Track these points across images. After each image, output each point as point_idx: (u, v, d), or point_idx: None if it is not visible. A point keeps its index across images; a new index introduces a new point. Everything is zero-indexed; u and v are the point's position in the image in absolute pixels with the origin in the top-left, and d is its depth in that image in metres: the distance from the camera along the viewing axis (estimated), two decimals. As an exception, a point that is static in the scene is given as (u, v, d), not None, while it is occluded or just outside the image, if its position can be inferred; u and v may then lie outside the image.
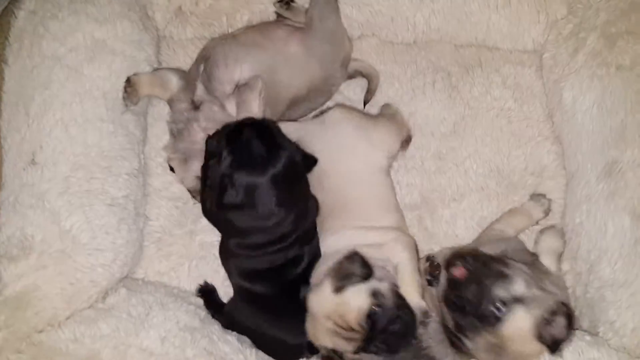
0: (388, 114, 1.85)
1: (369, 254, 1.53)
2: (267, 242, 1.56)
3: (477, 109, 1.95)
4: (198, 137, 1.64)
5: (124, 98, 1.70)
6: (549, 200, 1.80)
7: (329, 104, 1.91)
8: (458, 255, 1.47)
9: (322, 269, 1.56)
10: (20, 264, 1.48)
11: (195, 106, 1.67)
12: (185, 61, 1.93)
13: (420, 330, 1.51)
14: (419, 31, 1.99)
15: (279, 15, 1.91)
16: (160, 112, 1.88)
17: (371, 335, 1.44)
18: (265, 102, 1.64)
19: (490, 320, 1.37)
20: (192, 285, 1.79)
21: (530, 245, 1.71)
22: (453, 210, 1.87)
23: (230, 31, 1.94)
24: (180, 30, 1.98)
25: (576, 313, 1.61)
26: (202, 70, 1.71)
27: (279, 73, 1.69)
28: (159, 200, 1.84)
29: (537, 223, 1.79)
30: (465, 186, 1.88)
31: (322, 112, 1.79)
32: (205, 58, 1.72)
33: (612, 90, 1.68)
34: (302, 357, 1.63)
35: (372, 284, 1.48)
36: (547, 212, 1.79)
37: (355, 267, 1.49)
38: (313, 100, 1.83)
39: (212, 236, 1.77)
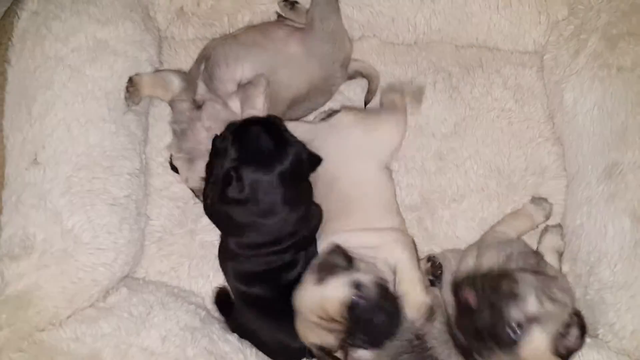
0: (389, 103, 1.85)
1: (363, 253, 1.54)
2: (266, 242, 1.56)
3: (478, 109, 1.95)
4: (202, 136, 1.65)
5: (125, 98, 1.70)
6: (550, 204, 1.80)
7: (330, 104, 1.91)
8: (466, 280, 1.47)
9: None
10: (22, 263, 1.49)
11: (198, 105, 1.68)
12: (186, 61, 1.93)
13: (425, 329, 1.52)
14: (420, 32, 1.99)
15: (279, 15, 1.91)
16: (161, 112, 1.88)
17: (353, 326, 1.44)
18: (267, 104, 1.64)
19: (507, 343, 1.38)
20: (193, 285, 1.79)
21: (530, 243, 1.72)
22: (453, 211, 1.86)
23: (231, 32, 1.94)
24: (181, 31, 1.98)
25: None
26: (202, 69, 1.71)
27: (279, 73, 1.69)
28: (160, 200, 1.85)
29: (537, 227, 1.79)
30: (466, 187, 1.88)
31: (329, 115, 1.79)
32: (205, 57, 1.73)
33: (613, 92, 1.68)
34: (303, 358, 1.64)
35: (354, 275, 1.48)
36: (548, 216, 1.79)
37: (337, 259, 1.50)
38: (313, 101, 1.83)
39: (213, 235, 1.78)
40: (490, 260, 1.55)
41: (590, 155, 1.70)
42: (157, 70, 1.84)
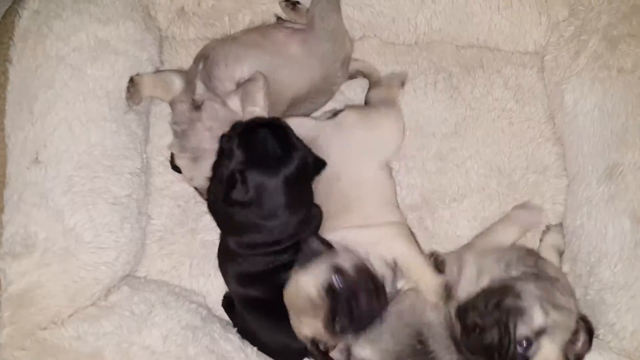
0: (380, 100, 1.85)
1: (358, 250, 1.55)
2: (265, 242, 1.57)
3: (479, 109, 1.96)
4: (204, 136, 1.65)
5: (126, 98, 1.71)
6: (541, 209, 1.82)
7: (331, 103, 1.91)
8: (471, 304, 1.47)
9: None
10: (24, 262, 1.49)
11: (197, 106, 1.67)
12: (187, 61, 1.92)
13: (425, 333, 1.53)
14: (421, 32, 1.99)
15: (278, 18, 1.91)
16: (162, 111, 1.89)
17: (334, 309, 1.45)
18: (268, 101, 1.63)
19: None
20: (194, 284, 1.80)
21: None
22: (454, 211, 1.87)
23: (232, 31, 1.94)
24: (182, 31, 1.98)
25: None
26: (200, 68, 1.71)
27: (280, 73, 1.69)
28: (161, 199, 1.85)
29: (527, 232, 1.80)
30: (466, 186, 1.89)
31: (334, 114, 1.79)
32: (204, 57, 1.72)
33: (613, 93, 1.69)
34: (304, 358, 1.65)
35: (333, 259, 1.51)
36: (539, 222, 1.80)
37: (315, 246, 1.52)
38: (314, 100, 1.83)
39: (214, 234, 1.78)
40: (491, 272, 1.55)
41: (591, 156, 1.71)
42: (158, 71, 1.84)
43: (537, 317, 1.40)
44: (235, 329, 1.71)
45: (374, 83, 1.93)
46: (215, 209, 1.64)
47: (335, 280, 1.47)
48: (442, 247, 1.82)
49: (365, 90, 1.96)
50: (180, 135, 1.69)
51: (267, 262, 1.59)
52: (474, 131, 1.93)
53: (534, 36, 1.97)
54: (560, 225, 1.81)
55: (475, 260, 1.60)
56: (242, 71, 1.67)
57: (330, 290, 1.47)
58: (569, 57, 1.83)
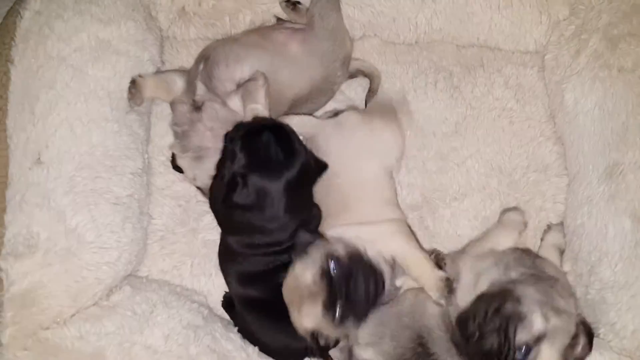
0: (387, 111, 1.85)
1: (358, 245, 1.55)
2: (265, 243, 1.58)
3: (479, 109, 1.96)
4: (206, 136, 1.66)
5: (128, 99, 1.71)
6: (523, 212, 1.81)
7: (331, 103, 1.91)
8: (470, 314, 1.46)
9: None
10: (26, 262, 1.50)
11: (197, 106, 1.68)
12: (188, 61, 1.93)
13: (425, 336, 1.53)
14: (421, 31, 1.99)
15: (278, 19, 1.92)
16: (163, 111, 1.89)
17: (331, 292, 1.46)
18: (268, 99, 1.64)
19: None
20: (195, 283, 1.80)
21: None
22: (454, 210, 1.87)
23: (233, 31, 1.95)
24: (183, 31, 1.98)
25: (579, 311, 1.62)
26: (201, 69, 1.71)
27: (281, 73, 1.70)
28: (162, 199, 1.85)
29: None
30: (467, 186, 1.89)
31: (335, 114, 1.80)
32: (205, 58, 1.72)
33: (613, 93, 1.69)
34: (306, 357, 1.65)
35: (326, 248, 1.52)
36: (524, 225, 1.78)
37: (306, 237, 1.54)
38: (315, 101, 1.84)
39: (215, 234, 1.78)
40: (490, 275, 1.55)
41: (591, 155, 1.71)
42: (160, 71, 1.85)
43: (537, 322, 1.39)
44: (237, 328, 1.71)
45: (374, 86, 1.94)
46: (216, 208, 1.64)
47: (330, 265, 1.49)
48: (443, 247, 1.82)
49: (366, 90, 1.96)
50: (181, 135, 1.69)
51: (267, 262, 1.59)
52: (475, 130, 1.93)
53: (535, 35, 1.97)
54: (561, 224, 1.81)
55: (472, 265, 1.59)
56: (242, 72, 1.67)
57: (326, 275, 1.48)
58: (570, 57, 1.83)
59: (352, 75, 1.96)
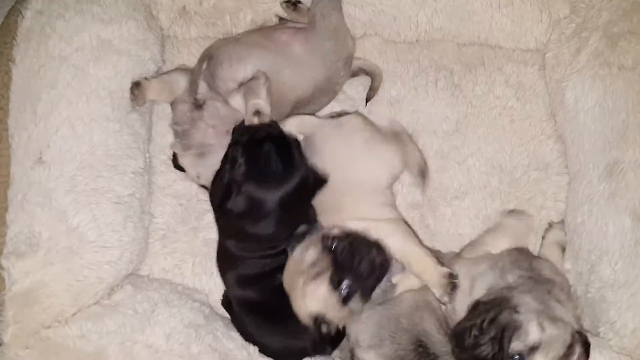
0: (401, 139, 1.83)
1: None
2: (259, 247, 1.59)
3: (480, 107, 1.96)
4: (208, 132, 1.66)
5: (130, 99, 1.71)
6: (531, 216, 1.81)
7: (333, 103, 1.91)
8: (468, 326, 1.45)
9: None
10: (28, 261, 1.50)
11: (198, 105, 1.68)
12: (189, 60, 1.94)
13: (424, 340, 1.53)
14: (422, 30, 1.99)
15: (281, 18, 1.92)
16: (164, 110, 1.89)
17: (338, 264, 1.47)
18: (270, 97, 1.64)
19: None
20: (196, 282, 1.81)
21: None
22: (455, 209, 1.88)
23: (233, 30, 1.95)
24: (184, 30, 1.99)
25: (577, 311, 1.62)
26: (204, 68, 1.72)
27: (283, 73, 1.70)
28: (163, 198, 1.86)
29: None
30: (468, 184, 1.89)
31: (339, 115, 1.80)
32: (208, 57, 1.73)
33: (614, 91, 1.69)
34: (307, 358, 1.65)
35: (324, 231, 1.54)
36: (530, 230, 1.77)
37: (302, 228, 1.56)
38: (317, 102, 1.84)
39: (216, 232, 1.77)
40: (486, 280, 1.54)
41: (592, 153, 1.71)
42: (164, 72, 1.84)
43: (532, 332, 1.39)
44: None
45: (375, 85, 1.94)
46: (214, 208, 1.65)
47: (333, 242, 1.49)
48: (444, 245, 1.83)
49: (367, 89, 1.96)
50: (182, 134, 1.69)
51: (263, 265, 1.60)
52: (475, 129, 1.94)
53: (535, 34, 1.97)
54: (563, 222, 1.81)
55: (467, 270, 1.58)
56: (245, 71, 1.67)
57: (330, 249, 1.49)
58: (570, 55, 1.84)
59: (354, 74, 1.96)
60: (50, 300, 1.51)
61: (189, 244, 1.83)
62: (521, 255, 1.63)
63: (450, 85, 1.97)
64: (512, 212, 1.83)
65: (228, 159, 1.54)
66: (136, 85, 1.72)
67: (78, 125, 1.61)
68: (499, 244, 1.68)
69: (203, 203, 1.83)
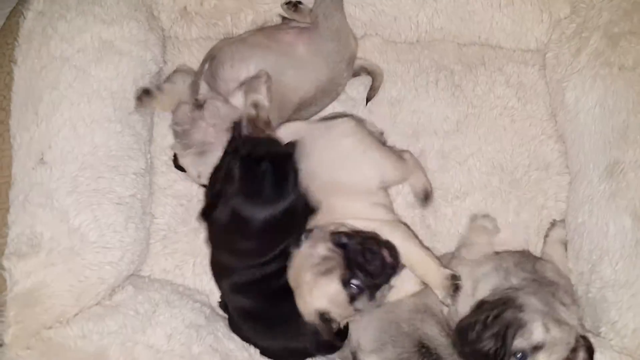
0: (404, 157, 1.81)
1: None
2: (244, 259, 1.59)
3: (480, 107, 1.96)
4: (209, 131, 1.66)
5: (136, 104, 1.72)
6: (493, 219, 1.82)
7: (335, 103, 1.92)
8: (472, 321, 1.45)
9: None
10: (29, 262, 1.51)
11: (199, 105, 1.68)
12: (190, 60, 1.95)
13: (426, 342, 1.53)
14: (422, 30, 2.00)
15: (284, 18, 1.92)
16: (165, 112, 1.89)
17: (350, 258, 1.46)
18: (272, 95, 1.64)
19: None
20: (197, 283, 1.81)
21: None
22: (456, 209, 1.88)
23: (234, 31, 1.96)
24: (185, 30, 1.99)
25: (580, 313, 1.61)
26: (206, 69, 1.72)
27: (286, 74, 1.70)
28: (164, 198, 1.86)
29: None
30: (469, 184, 1.89)
31: (334, 117, 1.79)
32: (211, 57, 1.73)
33: (614, 91, 1.69)
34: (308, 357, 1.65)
35: (329, 227, 1.53)
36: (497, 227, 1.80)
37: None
38: (319, 103, 1.84)
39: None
40: (490, 281, 1.54)
41: (592, 153, 1.71)
42: (172, 82, 1.83)
43: (537, 332, 1.39)
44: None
45: (376, 84, 1.94)
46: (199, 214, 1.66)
47: (343, 239, 1.48)
48: (445, 245, 1.83)
49: (368, 89, 1.96)
50: (182, 134, 1.69)
51: (253, 273, 1.59)
52: (476, 129, 1.94)
53: (536, 34, 1.97)
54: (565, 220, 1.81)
55: (470, 272, 1.58)
56: (248, 71, 1.68)
57: (340, 244, 1.48)
58: (571, 55, 1.84)
59: (355, 74, 1.96)
60: (51, 301, 1.52)
61: (190, 245, 1.83)
62: (524, 257, 1.63)
63: (450, 86, 1.97)
64: (477, 216, 1.83)
65: (224, 167, 1.54)
66: (146, 93, 1.72)
67: (79, 126, 1.62)
68: (484, 244, 1.71)
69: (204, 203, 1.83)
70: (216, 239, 1.62)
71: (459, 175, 1.90)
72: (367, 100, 1.96)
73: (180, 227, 1.84)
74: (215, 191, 1.52)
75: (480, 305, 1.48)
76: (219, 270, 1.67)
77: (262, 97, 1.60)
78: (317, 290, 1.47)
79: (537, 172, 1.90)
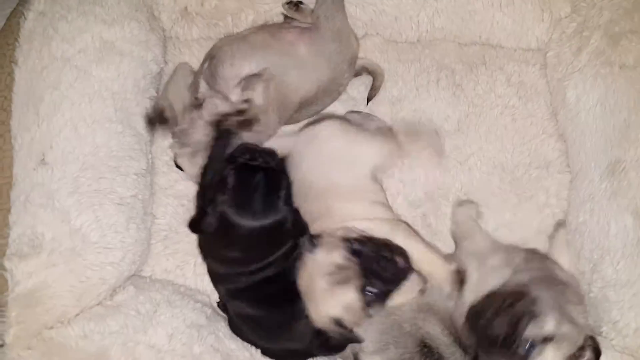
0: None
1: None
2: (234, 267, 1.59)
3: (481, 106, 1.96)
4: (206, 131, 1.65)
5: (147, 127, 1.74)
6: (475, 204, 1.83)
7: (335, 103, 1.91)
8: (482, 308, 1.46)
9: None
10: (30, 262, 1.50)
11: (198, 104, 1.68)
12: (191, 61, 1.94)
13: (428, 342, 1.53)
14: (423, 30, 1.99)
15: (286, 17, 1.92)
16: (166, 112, 1.90)
17: (366, 266, 1.46)
18: (271, 95, 1.64)
19: (517, 356, 1.39)
20: (199, 283, 1.81)
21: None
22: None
23: (235, 31, 1.95)
24: (186, 31, 1.99)
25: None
26: (206, 67, 1.72)
27: (288, 74, 1.70)
28: (165, 199, 1.86)
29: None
30: (469, 183, 1.89)
31: (315, 121, 1.79)
32: (211, 56, 1.73)
33: (615, 89, 1.68)
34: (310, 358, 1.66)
35: (338, 233, 1.52)
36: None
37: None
38: (320, 102, 1.83)
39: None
40: (499, 277, 1.54)
41: (593, 152, 1.71)
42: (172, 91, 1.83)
43: (549, 323, 1.39)
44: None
45: (377, 84, 1.94)
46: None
47: (356, 245, 1.48)
48: (446, 244, 1.82)
49: (369, 88, 1.96)
50: (179, 134, 1.70)
51: (246, 280, 1.58)
52: (477, 128, 1.93)
53: (536, 33, 1.97)
54: None
55: (477, 265, 1.59)
56: (248, 70, 1.67)
57: (355, 251, 1.47)
58: (571, 54, 1.83)
59: (356, 73, 1.96)
60: (52, 301, 1.52)
61: (191, 245, 1.81)
62: (534, 255, 1.63)
63: (451, 85, 1.97)
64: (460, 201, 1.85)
65: (217, 174, 1.54)
66: (161, 117, 1.73)
67: (81, 127, 1.61)
68: (478, 234, 1.73)
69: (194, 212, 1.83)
70: (205, 246, 1.63)
71: (460, 174, 1.90)
72: (368, 99, 1.96)
73: (182, 227, 1.84)
74: (207, 200, 1.52)
75: (492, 295, 1.49)
76: (214, 276, 1.68)
77: (256, 94, 1.60)
78: (333, 299, 1.47)
79: (538, 170, 1.89)
